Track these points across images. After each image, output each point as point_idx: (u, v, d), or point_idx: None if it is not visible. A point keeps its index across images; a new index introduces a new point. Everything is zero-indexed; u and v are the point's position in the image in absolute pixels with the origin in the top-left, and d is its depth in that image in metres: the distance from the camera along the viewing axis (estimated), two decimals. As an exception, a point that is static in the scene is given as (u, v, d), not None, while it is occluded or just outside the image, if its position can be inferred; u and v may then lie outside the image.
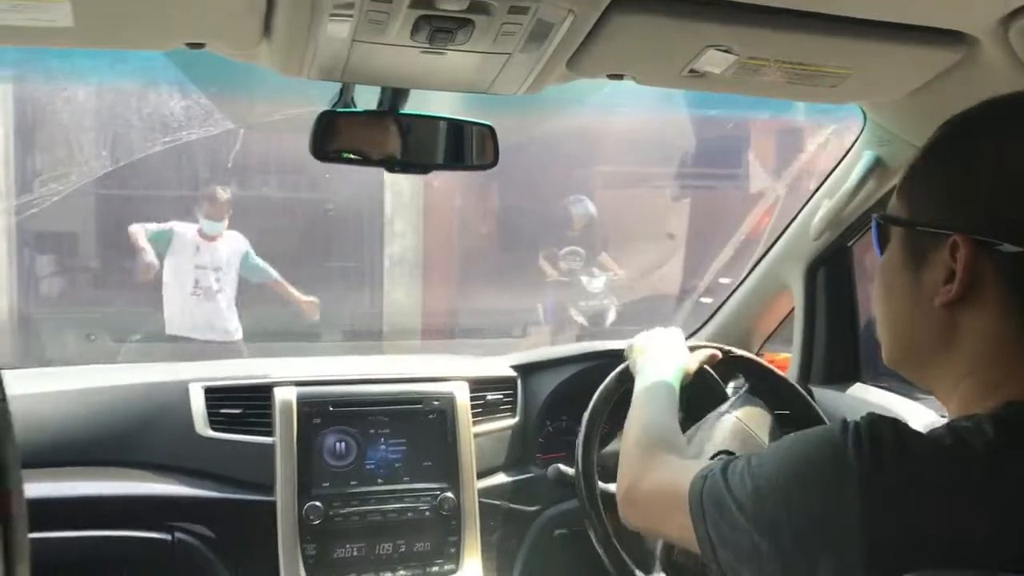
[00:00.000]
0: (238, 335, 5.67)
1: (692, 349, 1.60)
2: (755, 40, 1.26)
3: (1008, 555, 0.71)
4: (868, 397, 2.00)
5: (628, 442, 1.24)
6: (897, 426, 0.77)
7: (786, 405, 1.73)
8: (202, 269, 5.51)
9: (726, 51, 1.29)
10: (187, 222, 5.67)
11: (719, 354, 1.63)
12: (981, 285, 0.79)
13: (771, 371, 1.74)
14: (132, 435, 1.74)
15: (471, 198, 8.80)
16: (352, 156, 1.58)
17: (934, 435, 0.77)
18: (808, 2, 1.18)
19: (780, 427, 1.62)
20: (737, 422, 1.54)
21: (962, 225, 0.80)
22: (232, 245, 5.61)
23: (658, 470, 1.09)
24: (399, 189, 8.36)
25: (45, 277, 8.28)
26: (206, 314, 5.54)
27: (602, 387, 1.58)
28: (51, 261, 8.26)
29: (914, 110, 1.55)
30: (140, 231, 5.68)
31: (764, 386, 1.69)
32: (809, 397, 1.75)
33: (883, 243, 0.90)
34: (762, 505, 0.80)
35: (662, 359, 1.49)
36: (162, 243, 5.65)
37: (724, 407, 1.58)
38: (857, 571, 0.72)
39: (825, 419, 1.72)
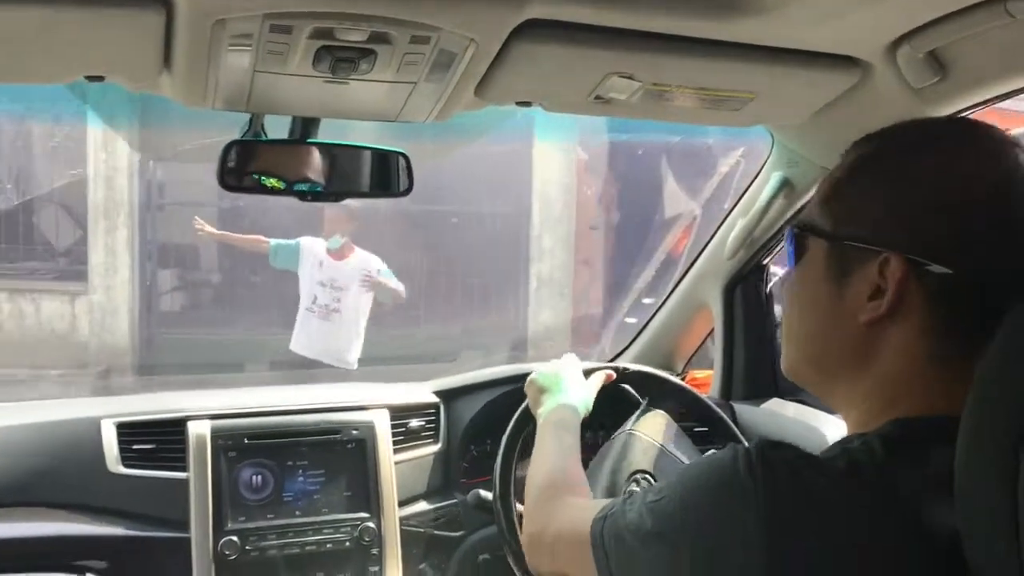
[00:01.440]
0: (353, 362, 5.32)
1: (587, 373, 1.60)
2: (656, 67, 1.29)
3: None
4: (785, 412, 2.04)
5: (531, 489, 1.24)
6: (789, 452, 0.77)
7: (694, 415, 1.76)
8: (323, 286, 5.22)
9: (629, 78, 1.31)
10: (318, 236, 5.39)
11: (614, 374, 1.64)
12: (906, 304, 0.80)
13: (668, 380, 1.76)
14: (40, 474, 1.68)
15: (629, 210, 7.94)
16: (263, 185, 1.56)
17: (826, 458, 0.78)
18: (706, 29, 1.21)
19: (695, 440, 1.64)
20: (643, 438, 1.55)
21: (894, 243, 0.81)
22: (358, 264, 5.25)
23: (561, 515, 1.09)
24: (549, 199, 7.76)
25: (166, 293, 7.93)
26: (321, 334, 5.29)
27: (507, 433, 1.58)
28: (173, 276, 7.91)
29: (818, 132, 1.60)
30: (261, 239, 5.59)
31: (664, 396, 1.70)
32: (718, 408, 1.76)
33: (799, 254, 0.90)
34: (661, 538, 0.80)
35: (559, 394, 1.48)
36: (285, 256, 5.45)
37: (627, 425, 1.59)
38: None
39: (731, 425, 1.74)
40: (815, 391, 0.93)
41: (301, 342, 5.36)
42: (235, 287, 7.58)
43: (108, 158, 7.41)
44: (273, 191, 1.56)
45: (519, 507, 1.49)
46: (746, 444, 0.79)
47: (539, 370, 1.57)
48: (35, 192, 7.98)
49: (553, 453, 1.32)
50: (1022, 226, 0.79)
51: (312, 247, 5.33)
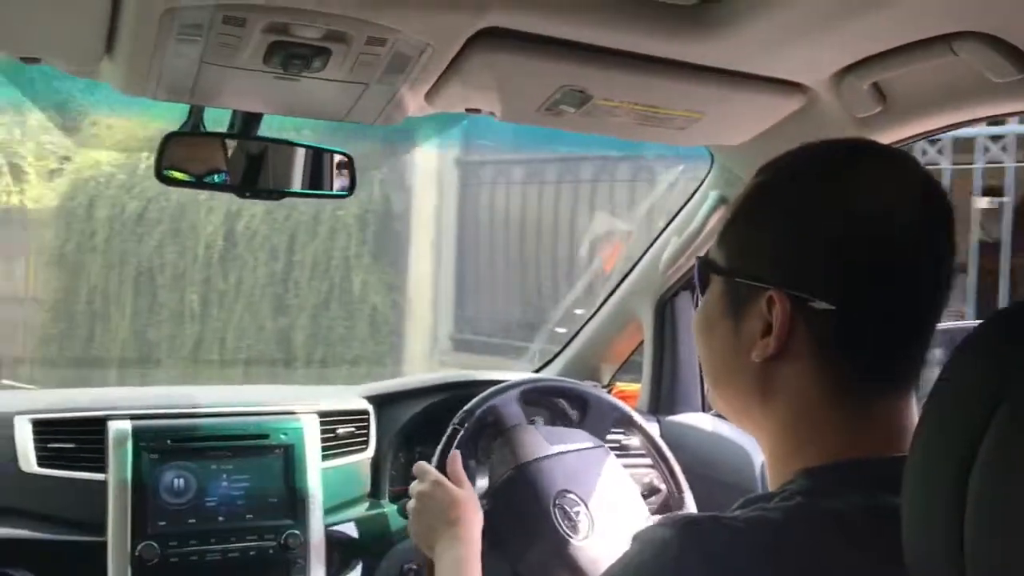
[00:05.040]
0: None
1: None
2: (608, 82, 1.29)
3: None
4: (711, 428, 2.07)
5: None
6: (703, 528, 0.74)
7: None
8: None
9: (580, 92, 1.31)
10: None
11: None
12: (795, 341, 0.78)
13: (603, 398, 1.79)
14: None
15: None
16: (201, 181, 1.52)
17: (734, 526, 0.74)
18: (658, 48, 1.23)
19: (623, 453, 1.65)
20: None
21: (777, 279, 0.78)
22: None
23: None
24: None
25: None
26: None
27: (441, 443, 1.55)
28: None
29: (758, 154, 1.61)
30: None
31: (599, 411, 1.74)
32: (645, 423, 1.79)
33: (704, 285, 0.88)
34: None
35: (450, 530, 1.31)
36: None
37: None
38: None
39: (659, 440, 1.76)
40: (738, 426, 0.91)
41: None
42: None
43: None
44: (212, 186, 1.52)
45: None
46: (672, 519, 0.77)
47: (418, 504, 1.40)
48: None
49: None
50: (907, 264, 0.77)
51: None
